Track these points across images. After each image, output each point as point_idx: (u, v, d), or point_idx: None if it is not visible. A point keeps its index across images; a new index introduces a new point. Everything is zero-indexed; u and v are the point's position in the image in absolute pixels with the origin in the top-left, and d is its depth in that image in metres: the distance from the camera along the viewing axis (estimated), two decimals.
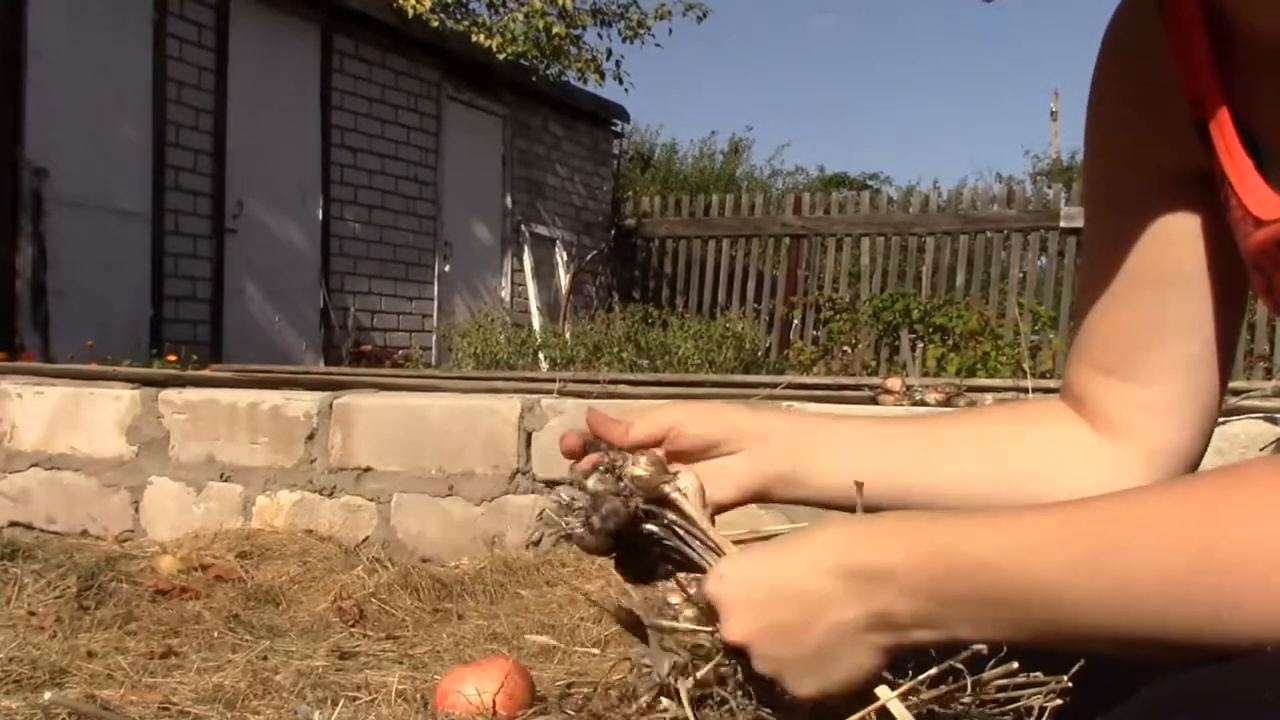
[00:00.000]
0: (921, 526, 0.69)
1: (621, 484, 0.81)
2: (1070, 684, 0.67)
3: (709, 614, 0.74)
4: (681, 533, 0.81)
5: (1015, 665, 0.67)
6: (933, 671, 0.67)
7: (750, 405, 0.99)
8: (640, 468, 0.81)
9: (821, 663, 0.69)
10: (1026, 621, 0.64)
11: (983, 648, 0.66)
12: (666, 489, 0.81)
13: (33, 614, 2.06)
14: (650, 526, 0.81)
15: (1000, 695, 0.69)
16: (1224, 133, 0.76)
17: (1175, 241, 0.84)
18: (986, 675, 0.68)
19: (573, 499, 0.83)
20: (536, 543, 2.67)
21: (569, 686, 1.71)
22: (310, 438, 2.87)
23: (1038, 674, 0.68)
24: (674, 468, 0.83)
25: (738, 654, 0.73)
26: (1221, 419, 2.47)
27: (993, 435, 0.93)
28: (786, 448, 0.89)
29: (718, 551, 0.79)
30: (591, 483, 0.82)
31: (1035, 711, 0.68)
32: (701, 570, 0.79)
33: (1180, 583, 0.59)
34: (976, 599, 0.65)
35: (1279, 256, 0.73)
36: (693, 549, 0.80)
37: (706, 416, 0.89)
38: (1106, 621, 0.61)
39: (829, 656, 0.69)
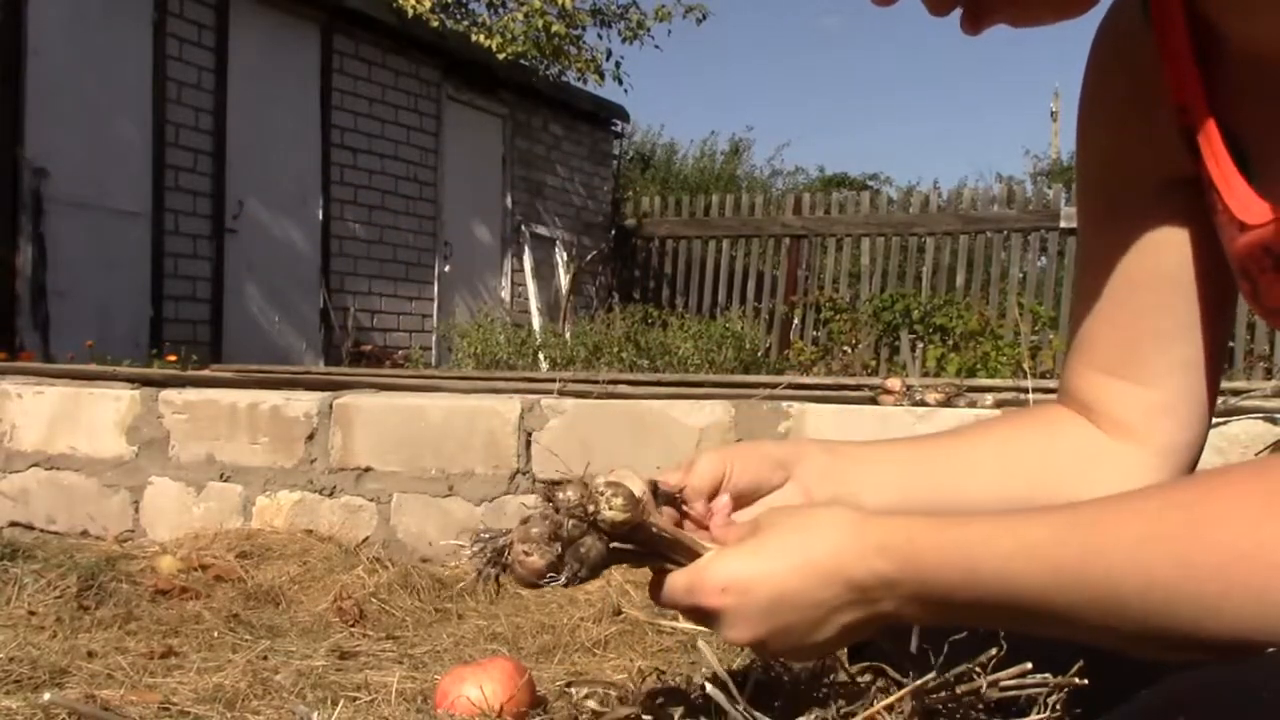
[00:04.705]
0: (917, 539, 0.72)
1: (600, 520, 0.80)
2: (1081, 683, 0.67)
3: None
4: (658, 545, 0.81)
5: (1029, 665, 0.68)
6: (949, 675, 0.67)
7: (781, 443, 1.04)
8: (617, 511, 0.79)
9: (825, 648, 0.78)
10: (1013, 623, 0.69)
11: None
12: (646, 518, 0.80)
13: (33, 614, 2.06)
14: (624, 547, 0.81)
15: (1009, 695, 0.68)
16: (1210, 139, 0.76)
17: (1171, 244, 0.84)
18: (997, 675, 0.68)
19: (493, 534, 0.83)
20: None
21: (568, 686, 1.70)
22: (310, 438, 2.87)
23: (1046, 675, 0.68)
24: (614, 475, 0.82)
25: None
26: (1221, 419, 2.45)
27: (1015, 448, 0.93)
28: (828, 474, 0.91)
29: (696, 552, 0.80)
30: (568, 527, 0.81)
31: (1043, 710, 0.68)
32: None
33: (1162, 588, 0.60)
34: (972, 606, 0.68)
35: (1265, 261, 0.73)
36: (670, 560, 0.81)
37: (751, 457, 0.91)
38: (1093, 624, 0.63)
39: (834, 644, 0.77)
